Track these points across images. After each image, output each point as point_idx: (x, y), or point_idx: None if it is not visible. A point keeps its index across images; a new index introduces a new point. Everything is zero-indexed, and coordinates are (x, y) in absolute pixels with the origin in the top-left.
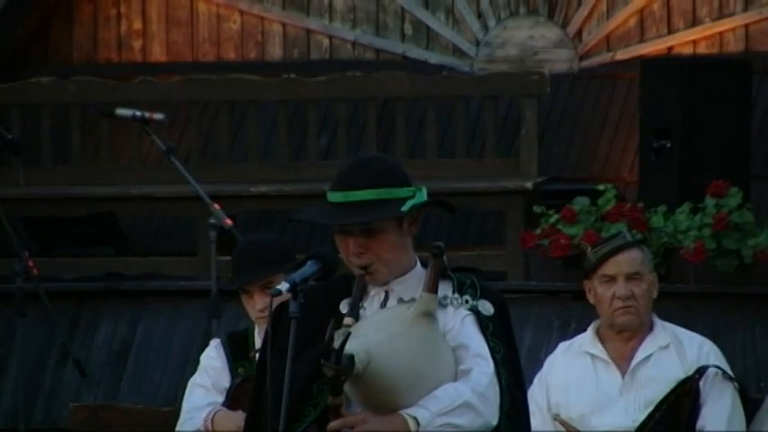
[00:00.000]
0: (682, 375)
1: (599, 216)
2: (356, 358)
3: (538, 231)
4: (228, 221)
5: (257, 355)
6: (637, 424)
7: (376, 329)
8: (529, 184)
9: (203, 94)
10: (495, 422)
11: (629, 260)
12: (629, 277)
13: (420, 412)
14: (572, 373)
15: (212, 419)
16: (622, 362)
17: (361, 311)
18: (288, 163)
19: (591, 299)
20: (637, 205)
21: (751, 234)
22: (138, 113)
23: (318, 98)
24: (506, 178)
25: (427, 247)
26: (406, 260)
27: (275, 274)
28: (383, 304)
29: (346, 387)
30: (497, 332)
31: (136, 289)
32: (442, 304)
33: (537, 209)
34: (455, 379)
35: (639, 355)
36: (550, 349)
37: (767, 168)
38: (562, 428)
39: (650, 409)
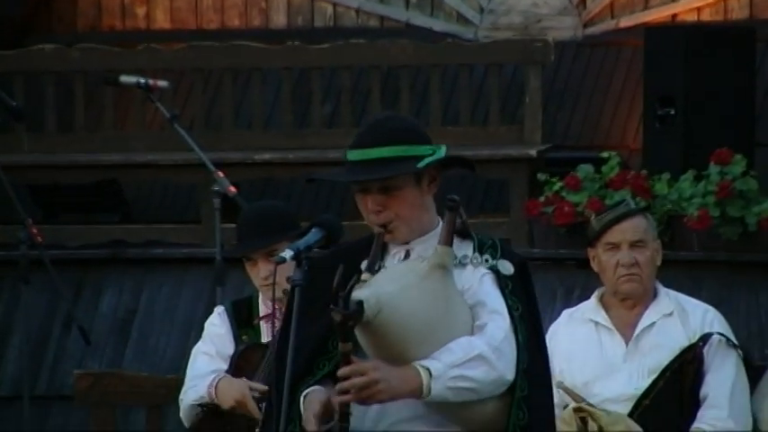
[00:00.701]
0: (685, 343)
1: (603, 184)
2: (365, 304)
3: (542, 199)
4: (232, 189)
5: (261, 322)
6: (640, 391)
7: (389, 281)
8: (533, 152)
9: (207, 61)
10: (510, 377)
11: (632, 228)
12: (633, 245)
13: (433, 363)
14: (576, 340)
15: (216, 387)
16: (626, 329)
17: (382, 270)
18: (292, 131)
19: (595, 266)
20: (641, 173)
21: (755, 201)
22: (142, 81)
23: (322, 66)
24: (510, 146)
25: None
26: (427, 219)
27: (279, 242)
28: None
29: (359, 337)
30: (516, 291)
31: (140, 256)
32: (462, 263)
33: (541, 176)
34: (471, 335)
35: (643, 323)
36: (554, 317)
37: None
38: (566, 396)
39: (654, 376)
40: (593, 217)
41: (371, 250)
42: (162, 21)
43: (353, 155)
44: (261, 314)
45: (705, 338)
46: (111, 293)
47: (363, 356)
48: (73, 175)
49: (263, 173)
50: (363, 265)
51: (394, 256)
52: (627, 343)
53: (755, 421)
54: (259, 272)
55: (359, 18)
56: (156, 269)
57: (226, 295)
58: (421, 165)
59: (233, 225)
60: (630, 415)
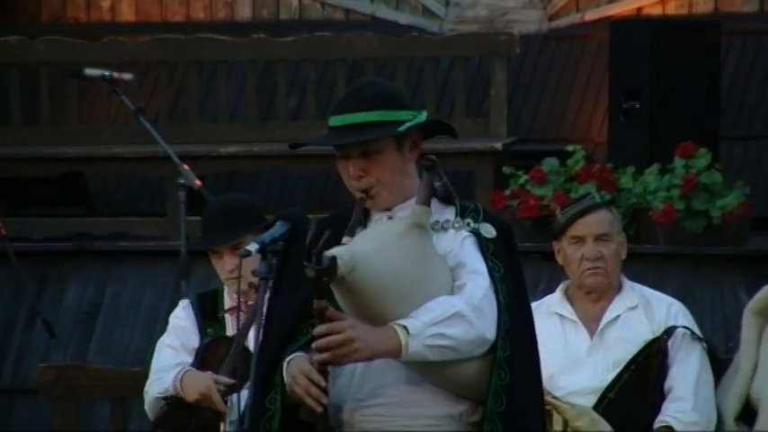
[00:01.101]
0: (650, 336)
1: (568, 177)
2: (339, 260)
3: (507, 192)
4: (198, 182)
5: (226, 315)
6: (605, 384)
7: (366, 240)
8: (498, 145)
9: (172, 54)
10: (490, 336)
11: (597, 221)
12: (598, 238)
13: (410, 322)
14: (541, 333)
15: (181, 380)
16: (591, 323)
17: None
18: (257, 123)
19: (560, 260)
20: (606, 166)
21: (719, 195)
22: (107, 73)
23: (287, 59)
24: (476, 139)
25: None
26: (408, 184)
27: (244, 235)
28: None
29: (337, 297)
30: (498, 254)
31: (105, 249)
32: (444, 228)
33: (506, 170)
34: (451, 295)
35: (608, 316)
36: None
37: (736, 129)
38: None
39: (618, 369)
40: (558, 210)
41: (353, 215)
42: (127, 13)
43: (334, 120)
44: (226, 307)
45: (670, 331)
46: (75, 286)
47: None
48: (38, 168)
49: (228, 166)
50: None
51: (376, 222)
52: (592, 336)
53: (719, 414)
54: (224, 265)
55: (324, 11)
56: (120, 262)
57: (191, 288)
58: (401, 129)
59: (198, 218)
60: (595, 408)
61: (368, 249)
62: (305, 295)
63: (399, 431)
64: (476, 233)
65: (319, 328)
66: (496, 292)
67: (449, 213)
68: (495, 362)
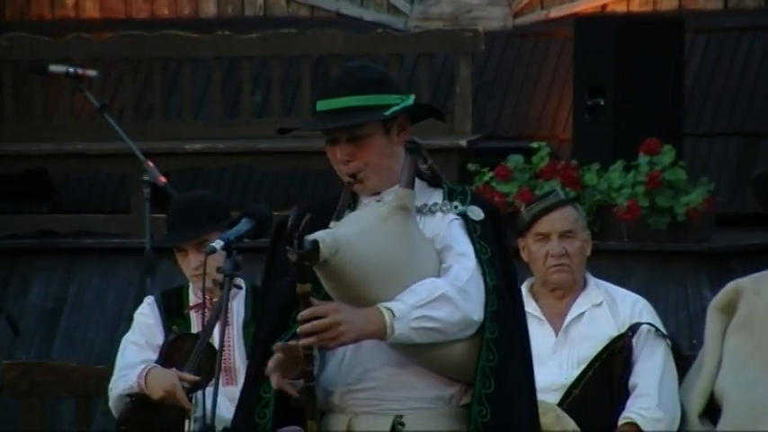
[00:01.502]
0: (615, 333)
1: (533, 174)
2: (321, 244)
3: (472, 188)
4: (162, 179)
5: (191, 312)
6: (570, 381)
7: (349, 224)
8: (463, 142)
9: (137, 50)
10: (476, 318)
11: (562, 218)
12: (563, 235)
13: (396, 305)
14: None
15: (145, 377)
16: (556, 319)
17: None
18: (222, 120)
19: (525, 257)
20: (570, 163)
21: (684, 192)
22: (72, 70)
23: (252, 55)
24: (440, 136)
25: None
26: (397, 168)
27: (209, 232)
28: None
29: (322, 281)
30: (485, 236)
31: (69, 246)
32: (432, 210)
33: (471, 167)
34: (437, 277)
35: (573, 313)
36: None
37: (700, 126)
38: None
39: (583, 366)
40: (522, 207)
41: (340, 200)
42: (91, 10)
43: (321, 105)
44: (191, 304)
45: (634, 328)
46: (39, 283)
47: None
48: (1, 165)
49: (192, 162)
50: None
51: (365, 207)
52: (557, 333)
53: (683, 410)
54: (189, 262)
55: (289, 7)
56: (85, 259)
57: (155, 285)
58: (387, 113)
59: (163, 215)
60: (560, 404)
61: (350, 232)
62: (291, 285)
63: (389, 413)
64: (463, 216)
65: (303, 313)
66: (484, 275)
67: (436, 196)
68: (482, 343)
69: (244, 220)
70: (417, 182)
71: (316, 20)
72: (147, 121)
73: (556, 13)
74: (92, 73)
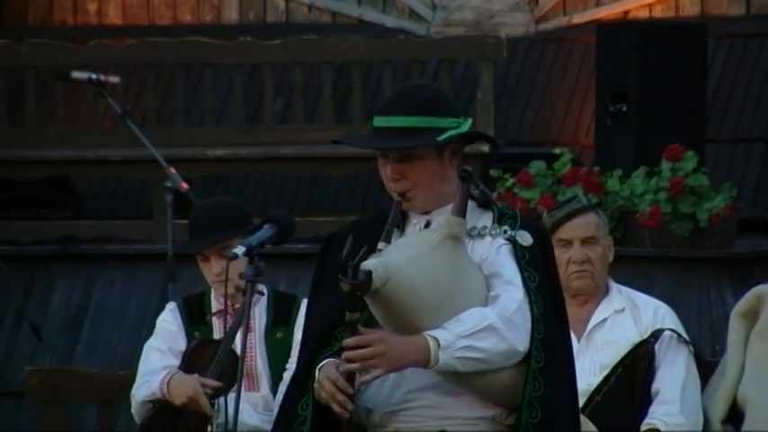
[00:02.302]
0: (637, 339)
1: (555, 180)
2: (374, 274)
3: (494, 195)
4: (184, 185)
5: (213, 318)
6: (592, 387)
7: (399, 251)
8: (485, 148)
9: (159, 57)
10: (521, 348)
11: (584, 224)
12: (585, 241)
13: (442, 333)
14: None
15: (168, 383)
16: (578, 325)
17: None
18: (244, 126)
19: None
20: (593, 169)
21: (706, 198)
22: (94, 76)
23: (274, 62)
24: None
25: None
26: (447, 190)
27: (231, 238)
28: None
29: (371, 308)
30: (534, 262)
31: (91, 252)
32: (481, 234)
33: (493, 173)
34: (485, 305)
35: (595, 319)
36: None
37: (722, 132)
38: None
39: (606, 372)
40: (545, 213)
41: (390, 218)
42: (114, 16)
43: (379, 121)
44: (213, 310)
45: (656, 334)
46: (62, 289)
47: (377, 327)
48: (24, 171)
49: (214, 169)
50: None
51: (415, 225)
52: (579, 339)
53: (706, 417)
54: (211, 268)
55: (311, 14)
56: (107, 265)
57: (177, 291)
58: (441, 138)
59: (185, 221)
60: (582, 411)
61: (400, 260)
62: (340, 302)
63: (432, 429)
64: (512, 241)
65: (348, 341)
66: (531, 303)
67: (486, 219)
68: (529, 373)
69: (266, 227)
70: (468, 204)
71: (337, 26)
72: (169, 127)
73: (578, 19)
74: (114, 79)
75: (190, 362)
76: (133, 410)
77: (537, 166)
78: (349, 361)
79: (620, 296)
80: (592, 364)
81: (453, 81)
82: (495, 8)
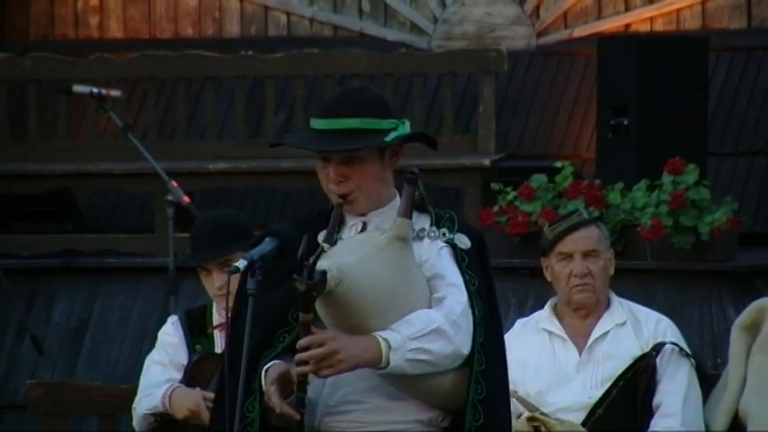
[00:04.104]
0: (638, 352)
1: (556, 193)
2: (328, 274)
3: (495, 208)
4: (186, 198)
5: (215, 332)
6: (594, 400)
7: (348, 252)
8: (486, 161)
9: (160, 70)
10: (466, 351)
11: (585, 238)
12: (586, 255)
13: (392, 335)
14: (529, 349)
15: (170, 396)
16: (579, 339)
17: (339, 241)
18: (245, 140)
19: (548, 276)
20: (594, 182)
21: (708, 211)
22: (95, 90)
23: (276, 75)
24: (464, 155)
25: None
26: (386, 192)
27: (233, 252)
28: None
29: (318, 308)
30: (473, 265)
31: (93, 266)
32: (419, 236)
33: (494, 186)
34: (429, 307)
35: (596, 332)
36: (508, 326)
37: (724, 145)
38: (519, 405)
39: (607, 385)
40: (546, 227)
41: (330, 221)
42: (115, 30)
43: (319, 123)
44: (215, 323)
45: (658, 348)
46: (63, 303)
47: (323, 327)
48: (26, 184)
49: (216, 182)
50: (321, 235)
51: (351, 227)
52: (580, 352)
53: (708, 430)
54: (213, 282)
55: (312, 27)
56: (109, 278)
57: (179, 305)
58: (388, 139)
59: (186, 234)
60: (584, 424)
61: (351, 261)
62: (280, 301)
63: None
64: (451, 243)
65: (301, 342)
66: (472, 306)
67: (423, 221)
68: (471, 376)
69: (267, 240)
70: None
71: (339, 39)
72: (171, 140)
73: (579, 32)
74: (115, 93)
75: (192, 375)
76: (135, 424)
77: (538, 179)
78: (301, 363)
79: (621, 309)
80: (593, 378)
81: (455, 94)
82: (497, 22)
